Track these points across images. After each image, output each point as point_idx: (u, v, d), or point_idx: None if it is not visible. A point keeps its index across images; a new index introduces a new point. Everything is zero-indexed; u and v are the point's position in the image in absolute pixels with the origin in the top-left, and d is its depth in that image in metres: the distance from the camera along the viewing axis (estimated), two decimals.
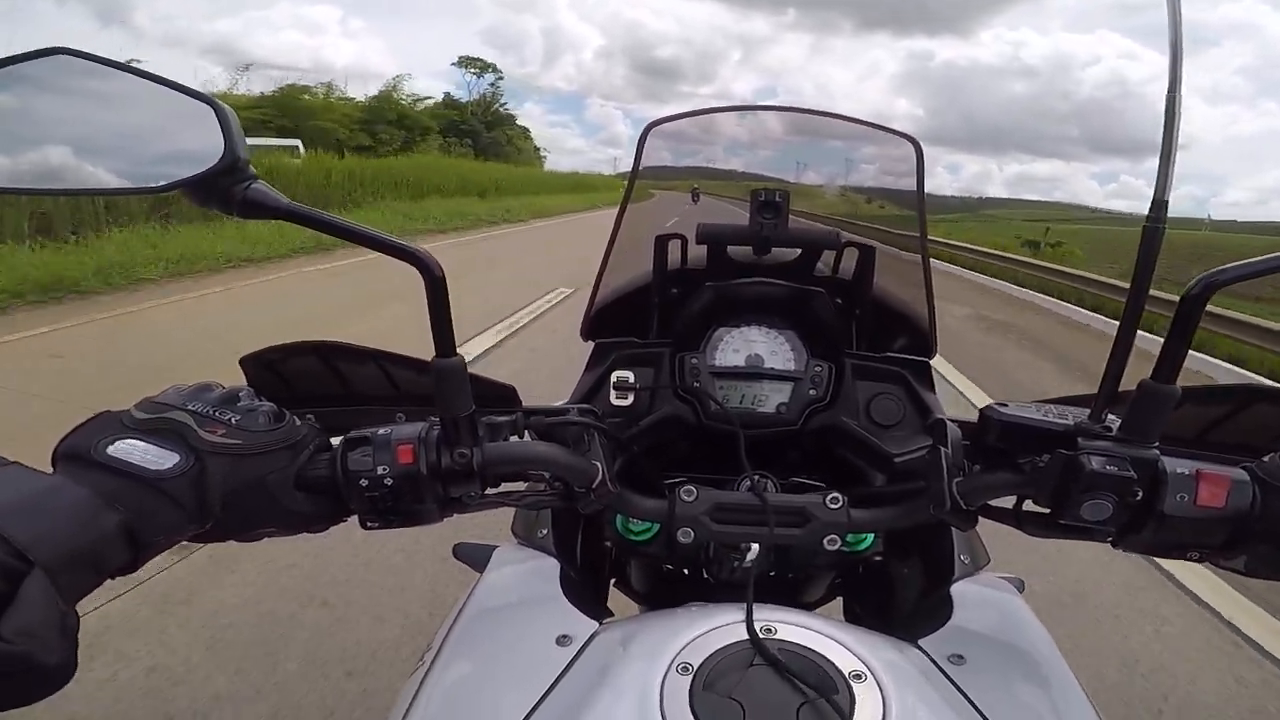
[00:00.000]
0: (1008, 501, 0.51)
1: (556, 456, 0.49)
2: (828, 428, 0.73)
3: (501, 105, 42.83)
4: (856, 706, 0.37)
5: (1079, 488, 0.42)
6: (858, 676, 0.39)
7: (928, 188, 0.77)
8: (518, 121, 47.35)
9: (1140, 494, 0.42)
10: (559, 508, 0.54)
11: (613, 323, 0.79)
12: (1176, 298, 0.40)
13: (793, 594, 0.79)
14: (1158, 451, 0.43)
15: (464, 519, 0.48)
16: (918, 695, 0.40)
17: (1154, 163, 0.39)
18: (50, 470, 0.37)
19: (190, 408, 0.40)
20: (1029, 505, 0.49)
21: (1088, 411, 0.46)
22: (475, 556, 0.78)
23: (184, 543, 0.40)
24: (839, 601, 0.82)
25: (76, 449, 0.37)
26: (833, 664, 0.40)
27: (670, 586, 0.76)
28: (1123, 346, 0.42)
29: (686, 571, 0.74)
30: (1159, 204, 0.39)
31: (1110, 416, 0.45)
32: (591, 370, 0.76)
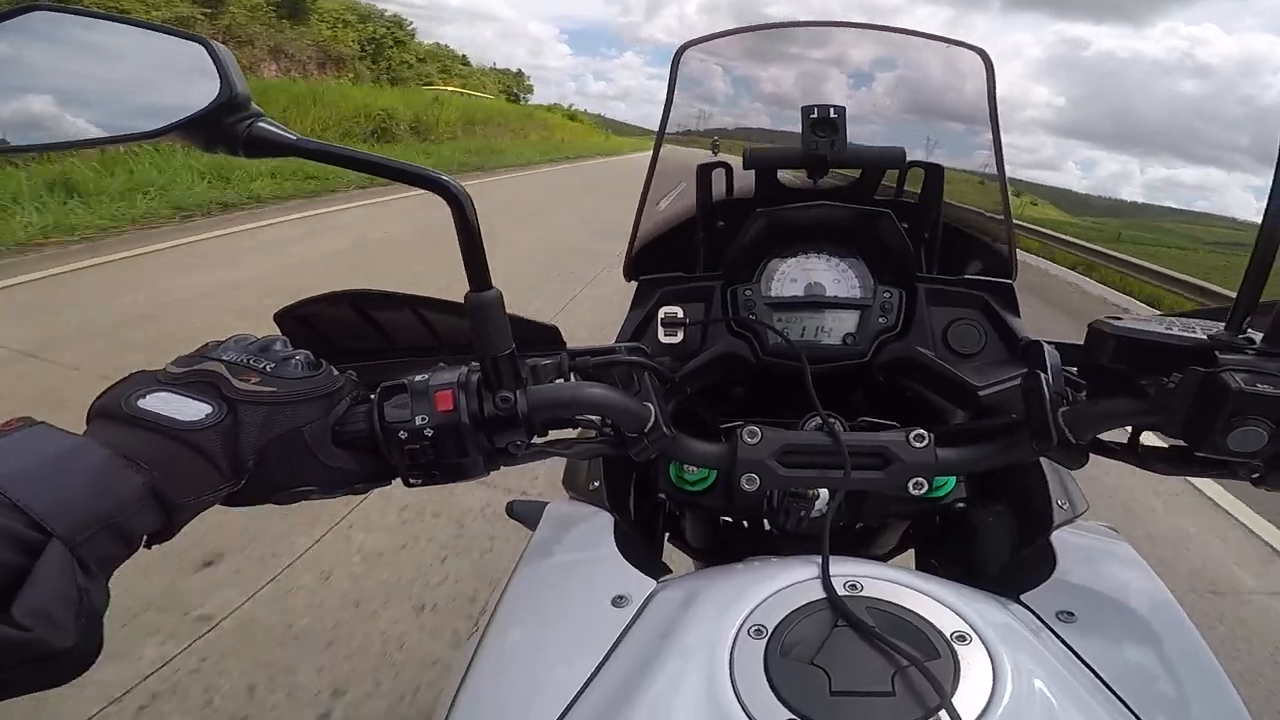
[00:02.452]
0: (1122, 435, 0.45)
1: (606, 398, 0.45)
2: (901, 360, 0.67)
3: None
4: (962, 671, 0.33)
5: (1224, 413, 0.36)
6: (961, 638, 0.35)
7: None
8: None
9: None
10: (611, 457, 0.51)
11: (655, 260, 0.74)
12: None
13: (862, 545, 0.74)
14: None
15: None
16: (1031, 657, 0.35)
17: None
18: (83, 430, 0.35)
19: (224, 357, 0.39)
20: (1150, 438, 0.43)
21: (1220, 325, 0.39)
22: (530, 514, 0.76)
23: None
24: (910, 555, 0.77)
25: (106, 406, 0.35)
26: (931, 624, 0.36)
27: (729, 540, 0.73)
28: (1266, 244, 0.35)
29: (746, 524, 0.71)
30: None
31: (1251, 330, 0.38)
32: (637, 308, 0.71)
